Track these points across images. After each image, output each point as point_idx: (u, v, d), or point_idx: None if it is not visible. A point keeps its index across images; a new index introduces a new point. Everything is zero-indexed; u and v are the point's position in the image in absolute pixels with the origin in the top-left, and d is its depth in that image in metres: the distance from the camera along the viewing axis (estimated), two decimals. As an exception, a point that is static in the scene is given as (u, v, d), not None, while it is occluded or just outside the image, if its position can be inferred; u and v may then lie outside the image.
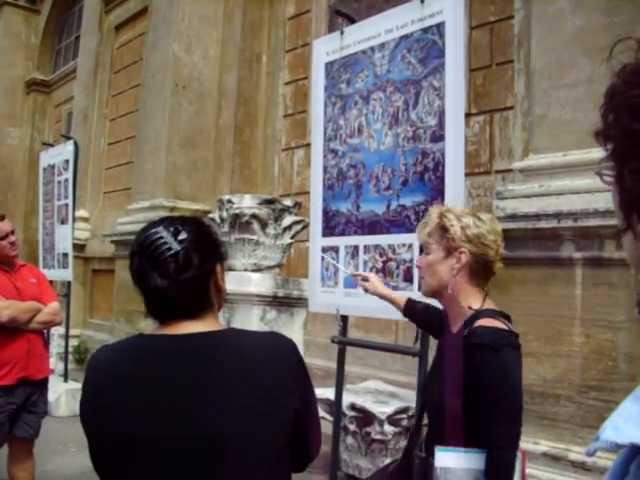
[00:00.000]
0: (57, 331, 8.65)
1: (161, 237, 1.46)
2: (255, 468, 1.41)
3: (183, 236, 1.46)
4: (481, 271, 2.20)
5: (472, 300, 2.16)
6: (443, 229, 2.17)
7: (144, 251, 1.46)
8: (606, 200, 3.55)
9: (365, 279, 2.89)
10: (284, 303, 5.44)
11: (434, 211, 2.26)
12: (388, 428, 4.39)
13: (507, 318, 2.13)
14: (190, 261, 1.45)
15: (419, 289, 2.82)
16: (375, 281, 2.86)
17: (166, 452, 1.37)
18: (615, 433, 0.69)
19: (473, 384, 1.99)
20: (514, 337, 2.03)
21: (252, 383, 1.43)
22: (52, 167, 8.65)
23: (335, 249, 4.03)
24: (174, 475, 1.37)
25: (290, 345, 1.55)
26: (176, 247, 1.44)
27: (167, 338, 1.47)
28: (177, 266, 1.44)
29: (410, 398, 4.58)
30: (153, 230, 1.48)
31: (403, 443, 4.05)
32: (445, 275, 2.18)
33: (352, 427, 4.61)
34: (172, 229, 1.47)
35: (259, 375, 1.45)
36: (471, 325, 2.07)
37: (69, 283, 8.26)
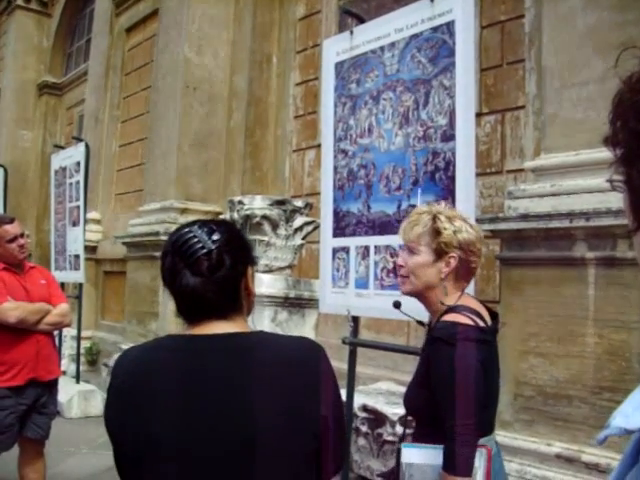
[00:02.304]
0: (69, 332, 8.69)
1: (195, 236, 1.46)
2: (285, 472, 1.40)
3: (217, 236, 1.47)
4: (464, 275, 2.23)
5: (449, 298, 2.18)
6: (436, 232, 2.17)
7: (177, 250, 1.47)
8: (618, 199, 3.48)
9: None
10: (295, 304, 5.43)
11: (425, 211, 2.26)
12: (400, 429, 4.37)
13: (481, 314, 2.14)
14: (223, 261, 1.46)
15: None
16: None
17: (195, 455, 1.35)
18: (625, 420, 0.71)
19: (432, 377, 2.05)
20: (477, 331, 2.04)
21: (283, 387, 1.42)
22: (64, 169, 8.68)
23: (346, 249, 4.02)
24: (205, 478, 1.36)
25: (321, 351, 1.54)
26: (210, 246, 1.45)
27: (197, 338, 1.47)
28: (210, 265, 1.45)
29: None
30: (187, 229, 1.49)
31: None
32: (432, 278, 2.20)
33: (364, 428, 4.59)
34: (206, 229, 1.48)
35: (290, 379, 1.44)
36: (439, 320, 2.13)
37: (81, 285, 8.31)
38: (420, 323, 2.58)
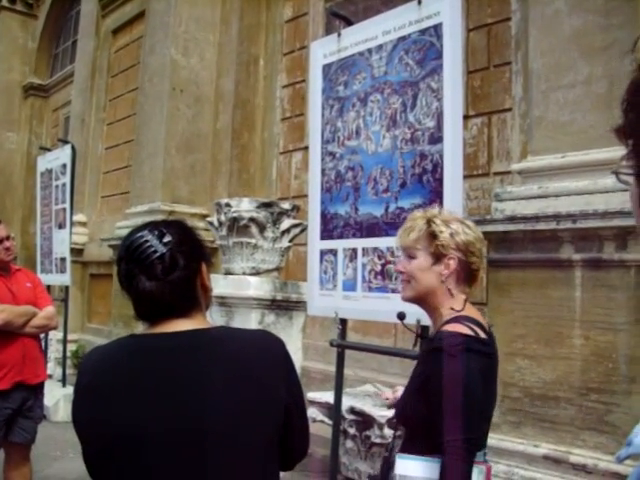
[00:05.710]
0: (55, 336, 8.64)
1: (147, 240, 1.49)
2: (243, 463, 1.44)
3: (168, 238, 1.50)
4: (466, 278, 2.18)
5: (456, 302, 2.13)
6: (432, 235, 2.13)
7: (131, 255, 1.50)
8: (605, 201, 3.54)
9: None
10: (283, 307, 5.42)
11: (419, 217, 2.22)
12: (388, 432, 4.37)
13: (483, 324, 2.07)
14: (176, 262, 1.50)
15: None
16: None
17: (156, 447, 1.40)
18: None
19: (431, 389, 1.96)
20: (478, 343, 1.98)
21: (242, 379, 1.47)
22: (49, 172, 8.64)
23: (333, 252, 4.01)
24: (163, 469, 1.40)
25: (278, 342, 1.59)
26: (162, 249, 1.48)
27: (158, 336, 1.51)
28: (164, 267, 1.48)
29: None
30: (138, 234, 1.52)
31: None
32: (433, 281, 2.14)
33: (352, 431, 4.59)
34: (157, 232, 1.51)
35: (248, 371, 1.48)
36: (440, 329, 2.06)
37: (67, 288, 8.26)
38: (419, 336, 2.51)
